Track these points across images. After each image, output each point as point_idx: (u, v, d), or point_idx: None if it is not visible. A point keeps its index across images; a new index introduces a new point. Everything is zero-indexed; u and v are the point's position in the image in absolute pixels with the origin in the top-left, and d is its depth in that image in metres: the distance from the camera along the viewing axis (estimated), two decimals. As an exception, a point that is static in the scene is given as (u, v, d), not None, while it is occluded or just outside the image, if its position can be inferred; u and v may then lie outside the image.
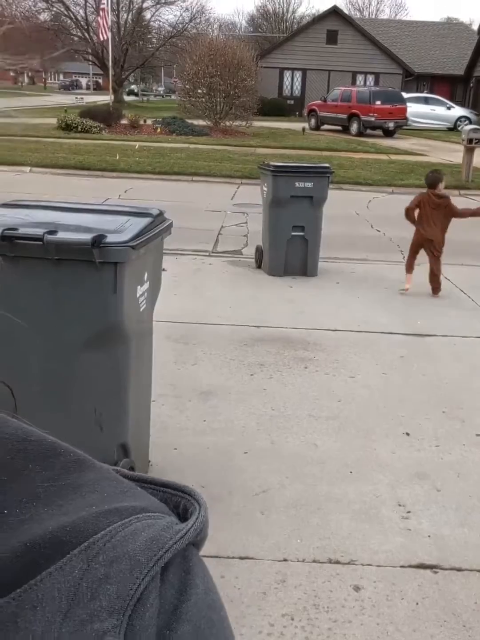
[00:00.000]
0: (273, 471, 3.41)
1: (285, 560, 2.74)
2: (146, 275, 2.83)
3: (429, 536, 2.94)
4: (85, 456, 0.46)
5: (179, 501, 0.45)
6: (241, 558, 2.72)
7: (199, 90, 23.85)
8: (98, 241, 2.36)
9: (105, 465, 0.46)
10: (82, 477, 0.44)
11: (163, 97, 63.21)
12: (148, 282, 2.86)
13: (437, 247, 6.77)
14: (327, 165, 7.56)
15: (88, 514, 0.40)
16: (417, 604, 2.53)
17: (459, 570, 2.73)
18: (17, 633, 0.35)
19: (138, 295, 2.75)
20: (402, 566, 2.74)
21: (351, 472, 3.44)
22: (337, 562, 2.74)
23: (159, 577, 0.40)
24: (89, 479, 0.44)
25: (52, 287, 2.41)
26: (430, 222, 6.72)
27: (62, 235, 2.39)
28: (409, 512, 3.12)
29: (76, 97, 40.50)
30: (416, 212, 6.72)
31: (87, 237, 2.37)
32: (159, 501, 0.45)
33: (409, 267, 6.94)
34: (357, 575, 2.67)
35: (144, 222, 2.67)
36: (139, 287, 2.75)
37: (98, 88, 69.82)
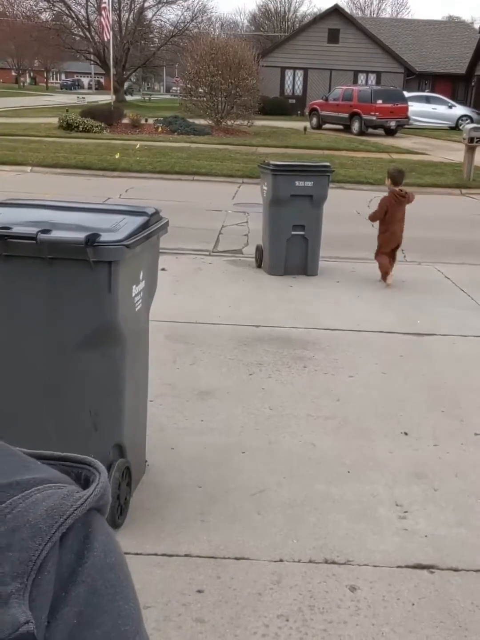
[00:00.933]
0: (270, 471, 3.40)
1: (281, 560, 2.73)
2: (142, 274, 2.82)
3: (426, 536, 2.93)
4: None
5: (80, 472, 0.47)
6: (237, 558, 2.71)
7: (200, 90, 23.83)
8: (92, 240, 2.35)
9: (1, 442, 0.47)
10: None
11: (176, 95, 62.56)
12: (144, 282, 2.84)
13: (400, 243, 7.01)
14: (326, 163, 7.54)
15: None
16: (413, 604, 2.52)
17: (455, 570, 2.71)
18: None
19: (133, 294, 2.74)
20: (398, 566, 2.72)
21: (349, 472, 3.43)
22: (334, 563, 2.73)
23: (58, 545, 0.41)
24: None
25: (46, 286, 2.40)
26: (396, 219, 6.86)
27: (56, 234, 2.39)
28: (406, 512, 3.11)
29: (78, 97, 40.53)
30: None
31: (81, 235, 2.36)
32: (61, 473, 0.46)
33: (387, 268, 6.99)
34: (353, 575, 2.66)
35: (139, 220, 2.66)
36: (134, 286, 2.74)
37: (100, 88, 69.83)
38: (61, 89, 68.28)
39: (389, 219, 6.86)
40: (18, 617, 0.37)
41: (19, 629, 0.37)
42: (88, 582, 0.42)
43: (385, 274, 7.01)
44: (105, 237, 2.43)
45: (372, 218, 7.10)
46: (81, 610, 0.41)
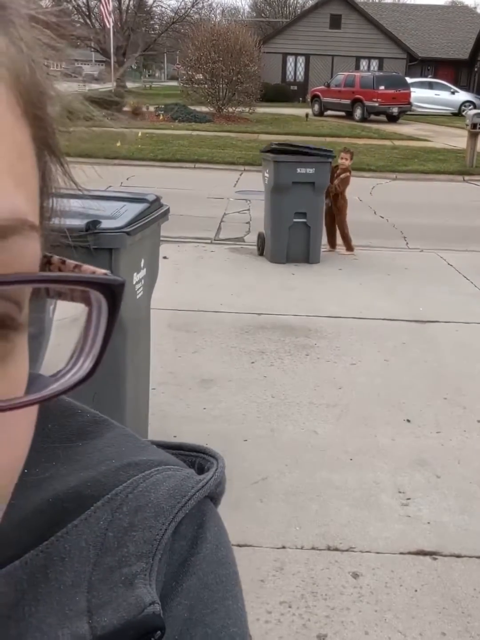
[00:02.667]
0: (273, 459, 3.40)
1: (283, 547, 2.73)
2: (143, 261, 2.80)
3: (428, 523, 2.93)
4: (101, 416, 0.47)
5: (194, 460, 0.46)
6: (239, 545, 2.71)
7: (201, 76, 23.69)
8: (92, 227, 2.34)
9: (122, 425, 0.47)
10: (99, 435, 0.44)
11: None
12: (145, 269, 2.83)
13: None
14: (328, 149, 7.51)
15: (108, 468, 0.41)
16: (415, 590, 2.52)
17: (458, 556, 2.71)
18: (48, 583, 0.36)
19: (134, 282, 2.73)
20: (401, 553, 2.73)
21: (351, 460, 3.43)
22: (336, 550, 2.73)
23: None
24: (106, 436, 0.44)
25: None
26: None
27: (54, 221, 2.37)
28: (408, 499, 3.11)
29: (78, 85, 40.31)
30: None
31: (81, 222, 2.35)
32: (175, 457, 0.46)
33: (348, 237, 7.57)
34: (356, 562, 2.66)
35: (139, 207, 2.65)
36: (135, 273, 2.72)
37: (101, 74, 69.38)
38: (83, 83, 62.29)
39: (343, 193, 7.48)
40: (143, 598, 0.36)
41: (144, 610, 0.36)
42: (200, 575, 0.40)
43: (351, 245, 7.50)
44: (105, 224, 2.42)
45: (338, 191, 7.38)
46: (192, 605, 0.39)
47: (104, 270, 0.30)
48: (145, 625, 0.36)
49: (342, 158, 7.48)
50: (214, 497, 0.44)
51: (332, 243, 7.73)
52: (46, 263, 0.32)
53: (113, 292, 0.29)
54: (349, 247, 7.61)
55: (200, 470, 0.45)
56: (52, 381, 0.30)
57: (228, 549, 0.44)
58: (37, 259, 0.30)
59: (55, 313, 0.33)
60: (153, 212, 2.77)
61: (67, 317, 0.32)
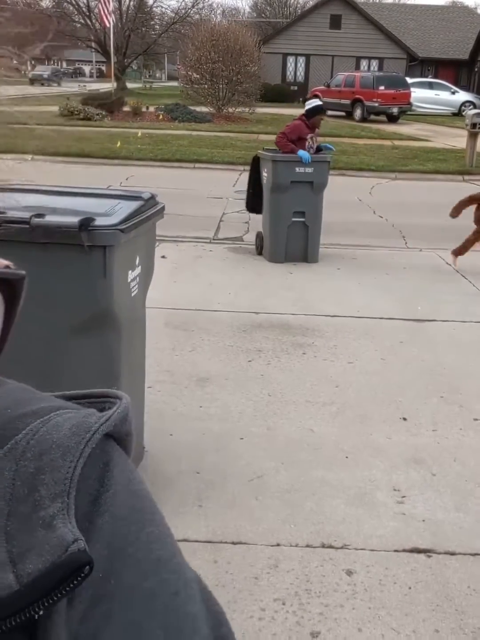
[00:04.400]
0: (269, 457, 3.39)
1: (278, 545, 2.73)
2: (137, 259, 2.80)
3: (423, 520, 2.93)
4: None
5: (103, 405, 0.45)
6: (234, 543, 2.71)
7: (197, 75, 23.67)
8: (86, 224, 2.34)
9: (15, 382, 0.46)
10: None
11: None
12: (140, 267, 2.83)
13: None
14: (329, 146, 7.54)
15: (3, 419, 0.41)
16: (410, 588, 2.52)
17: (452, 554, 2.71)
18: None
19: (129, 280, 2.73)
20: (395, 551, 2.73)
21: (347, 458, 3.43)
22: (331, 547, 2.73)
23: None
24: (1, 391, 0.44)
25: (41, 271, 2.39)
26: None
27: (49, 219, 2.37)
28: (404, 496, 3.11)
29: (79, 85, 40.36)
30: None
31: (75, 220, 2.35)
32: (77, 405, 0.45)
33: None
34: (350, 559, 2.66)
35: (134, 205, 2.65)
36: (130, 271, 2.72)
37: (101, 75, 69.41)
38: (31, 83, 40.44)
39: None
40: (65, 537, 0.36)
41: (68, 549, 0.35)
42: (112, 511, 0.40)
43: None
44: (99, 221, 2.42)
45: None
46: (110, 541, 0.39)
47: (5, 262, 0.30)
48: (72, 563, 0.35)
49: None
50: (121, 438, 0.44)
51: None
52: None
53: (12, 286, 0.28)
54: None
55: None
56: None
57: (139, 483, 0.43)
58: None
59: None
60: (148, 209, 2.77)
61: None
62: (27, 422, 0.41)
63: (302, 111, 7.41)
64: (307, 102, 7.49)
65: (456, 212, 7.14)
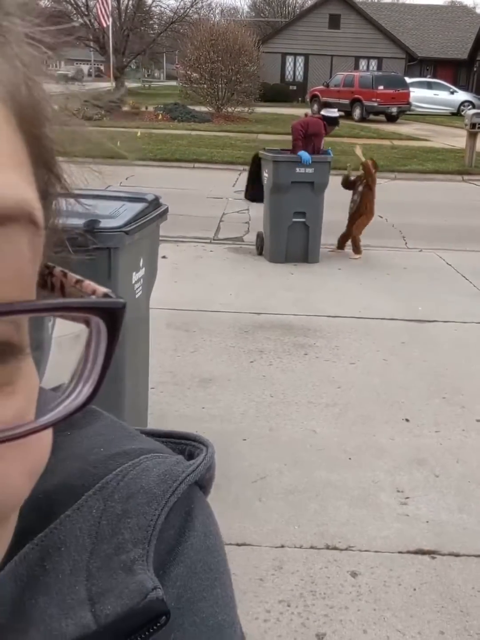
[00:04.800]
0: (272, 458, 3.40)
1: (282, 546, 2.73)
2: (142, 261, 2.80)
3: (427, 522, 2.93)
4: (92, 406, 0.46)
5: (185, 448, 0.46)
6: (238, 544, 2.72)
7: (196, 74, 23.67)
8: (91, 226, 2.34)
9: (108, 414, 0.47)
10: (87, 424, 0.44)
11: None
12: (144, 269, 2.83)
13: None
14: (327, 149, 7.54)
15: (96, 457, 0.41)
16: (414, 589, 2.53)
17: (456, 555, 2.72)
18: (47, 575, 0.36)
19: (133, 281, 2.73)
20: (399, 552, 2.73)
21: (350, 459, 3.43)
22: (335, 548, 2.74)
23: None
24: (95, 425, 0.44)
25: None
26: None
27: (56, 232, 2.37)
28: (407, 498, 3.11)
29: (78, 84, 40.29)
30: None
31: (79, 222, 2.34)
32: (165, 446, 0.46)
33: None
34: (355, 561, 2.67)
35: (138, 207, 2.65)
36: (134, 273, 2.73)
37: (100, 75, 69.39)
38: (56, 82, 56.31)
39: None
40: (145, 584, 0.36)
41: (147, 596, 0.36)
42: (187, 564, 0.40)
43: None
44: (104, 223, 2.42)
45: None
46: (180, 593, 0.39)
47: (105, 290, 0.30)
48: (150, 611, 0.36)
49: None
50: (204, 484, 0.44)
51: (343, 245, 7.64)
52: (48, 274, 0.32)
53: (113, 316, 0.28)
54: (359, 250, 7.52)
55: (190, 457, 0.45)
56: (52, 405, 0.29)
57: (216, 537, 0.44)
58: (37, 257, 0.29)
59: (55, 329, 0.33)
60: (152, 211, 2.77)
61: (67, 334, 0.31)
62: (119, 463, 0.41)
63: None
64: (328, 109, 7.64)
65: None
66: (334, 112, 7.61)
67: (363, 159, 7.32)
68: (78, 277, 0.31)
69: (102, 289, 0.30)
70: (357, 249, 7.50)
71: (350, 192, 7.51)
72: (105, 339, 0.28)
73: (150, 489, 0.40)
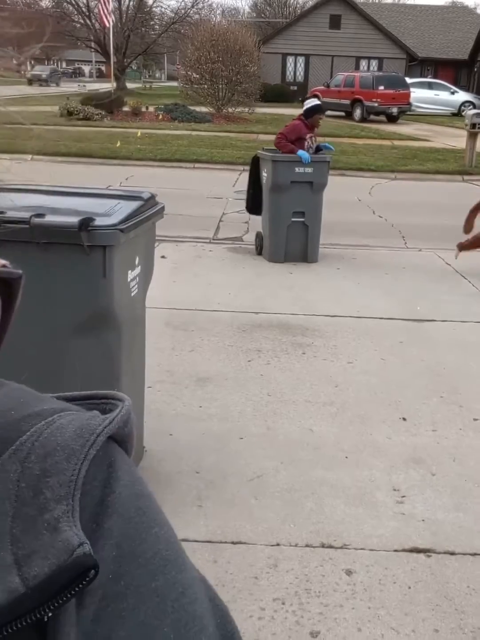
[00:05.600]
0: (268, 456, 3.40)
1: (277, 544, 2.73)
2: (137, 259, 2.80)
3: (423, 520, 2.93)
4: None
5: (105, 407, 0.45)
6: (233, 543, 2.71)
7: (198, 76, 23.68)
8: (85, 224, 2.34)
9: (16, 383, 0.46)
10: None
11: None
12: (139, 267, 2.83)
13: None
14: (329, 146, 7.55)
15: (7, 420, 0.41)
16: (409, 588, 2.52)
17: (452, 554, 2.71)
18: None
19: (129, 280, 2.73)
20: (395, 550, 2.73)
21: (347, 457, 3.43)
22: (330, 547, 2.73)
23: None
24: (2, 391, 0.44)
25: (40, 271, 2.39)
26: None
27: (49, 219, 2.37)
28: (403, 496, 3.11)
29: (79, 85, 40.37)
30: None
31: (74, 220, 2.35)
32: (78, 406, 0.45)
33: None
34: (350, 559, 2.66)
35: (134, 205, 2.65)
36: (129, 271, 2.73)
37: (101, 75, 69.36)
38: (30, 83, 41.84)
39: None
40: (71, 540, 0.36)
41: (74, 552, 0.35)
42: (120, 512, 0.40)
43: None
44: (99, 221, 2.42)
45: None
46: (119, 542, 0.39)
47: (2, 261, 0.30)
48: (78, 567, 0.35)
49: None
50: (123, 440, 0.44)
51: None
52: None
53: (10, 286, 0.28)
54: None
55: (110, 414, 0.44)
56: None
57: (143, 485, 0.43)
58: None
59: None
60: (148, 209, 2.77)
61: None
62: (32, 424, 0.41)
63: (301, 111, 7.41)
64: (305, 102, 7.46)
65: (468, 226, 7.05)
66: (308, 102, 7.32)
67: None
68: None
69: (0, 261, 0.30)
70: None
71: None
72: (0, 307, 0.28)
73: (67, 444, 0.39)
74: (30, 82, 41.05)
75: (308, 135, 7.13)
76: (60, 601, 0.35)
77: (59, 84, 46.93)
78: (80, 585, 0.36)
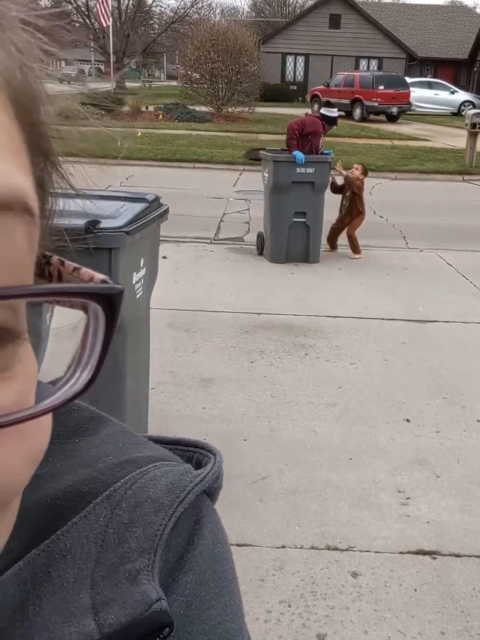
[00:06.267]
0: (272, 458, 3.40)
1: (283, 547, 2.73)
2: (142, 261, 2.80)
3: (428, 522, 2.93)
4: (99, 412, 0.46)
5: (192, 455, 0.46)
6: (239, 545, 2.71)
7: (198, 75, 23.67)
8: (91, 227, 2.34)
9: (119, 422, 0.46)
10: (96, 431, 0.44)
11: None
12: (144, 269, 2.83)
13: None
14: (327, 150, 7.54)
15: (105, 465, 0.41)
16: (415, 590, 2.52)
17: (457, 556, 2.72)
18: (51, 581, 0.36)
19: (134, 282, 2.73)
20: (400, 552, 2.73)
21: (351, 459, 3.43)
22: (336, 549, 2.73)
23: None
24: (103, 433, 0.44)
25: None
26: None
27: (54, 221, 2.37)
28: (408, 498, 3.11)
29: (78, 85, 40.31)
30: None
31: (80, 222, 2.34)
32: (173, 454, 0.45)
33: None
34: (355, 561, 2.66)
35: (139, 207, 2.65)
36: (134, 273, 2.72)
37: (100, 75, 69.25)
38: (60, 82, 57.57)
39: None
40: (149, 594, 0.36)
41: (151, 607, 0.35)
42: (196, 572, 0.40)
43: None
44: (105, 223, 2.42)
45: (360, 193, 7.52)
46: (189, 601, 0.39)
47: (102, 276, 0.29)
48: (153, 622, 0.35)
49: (355, 169, 7.45)
50: (211, 493, 0.44)
51: (334, 245, 7.72)
52: (45, 263, 0.32)
53: (111, 302, 0.28)
54: (358, 249, 7.56)
55: (198, 465, 0.45)
56: (50, 390, 0.29)
57: (225, 545, 0.43)
58: (32, 246, 0.29)
59: (53, 320, 0.33)
60: (152, 211, 2.77)
61: (65, 325, 0.31)
62: (127, 471, 0.41)
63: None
64: (327, 108, 7.56)
65: None
66: (333, 112, 7.56)
67: (344, 173, 7.32)
68: (76, 265, 0.31)
69: (99, 276, 0.30)
70: (356, 249, 7.53)
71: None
72: (103, 325, 0.28)
73: (157, 498, 0.40)
74: (60, 81, 41.13)
75: (322, 135, 7.30)
76: None
77: (86, 84, 47.00)
78: None
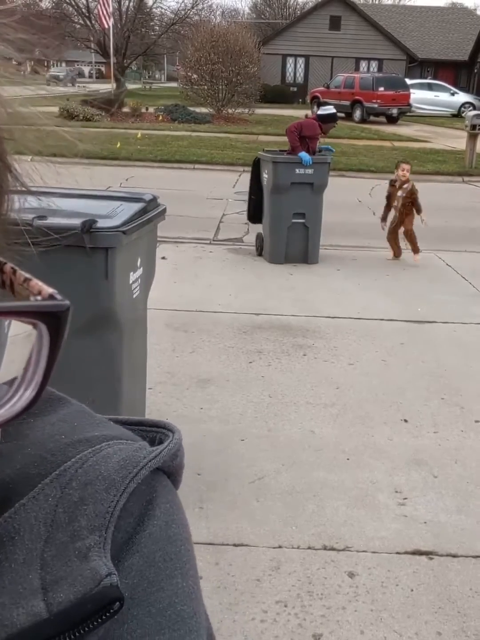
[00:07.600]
0: (270, 458, 3.39)
1: (279, 547, 2.73)
2: (139, 261, 2.80)
3: (425, 522, 2.93)
4: (60, 394, 0.46)
5: (155, 436, 0.45)
6: (235, 545, 2.71)
7: (198, 77, 23.68)
8: (88, 226, 2.34)
9: (77, 402, 0.46)
10: (52, 411, 0.43)
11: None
12: (141, 269, 2.83)
13: None
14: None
15: (55, 445, 0.41)
16: (412, 590, 2.52)
17: (454, 556, 2.71)
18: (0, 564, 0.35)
19: (131, 281, 2.73)
20: (397, 553, 2.72)
21: (348, 459, 3.43)
22: (332, 549, 2.73)
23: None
24: (60, 413, 0.44)
25: (42, 273, 2.38)
26: None
27: (52, 221, 2.37)
28: (405, 498, 3.10)
29: (79, 86, 40.39)
30: None
31: (77, 222, 2.34)
32: (132, 433, 0.44)
33: None
34: (352, 561, 2.66)
35: (136, 207, 2.65)
36: (131, 273, 2.72)
37: (101, 76, 69.34)
38: (47, 83, 54.44)
39: None
40: (99, 570, 0.35)
41: (101, 583, 0.35)
42: (144, 553, 0.39)
43: None
44: (101, 223, 2.42)
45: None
46: (135, 584, 0.38)
47: (51, 291, 0.29)
48: (103, 598, 0.35)
49: (402, 170, 7.35)
50: (172, 472, 0.43)
51: (398, 247, 7.59)
52: None
53: (56, 319, 0.28)
54: (417, 249, 7.43)
55: (160, 444, 0.44)
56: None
57: (180, 526, 0.42)
58: None
59: (10, 328, 0.32)
60: (150, 211, 2.77)
61: (21, 332, 0.31)
62: (78, 450, 0.40)
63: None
64: (322, 107, 7.50)
65: None
66: (328, 109, 7.42)
67: (423, 215, 7.28)
68: (26, 275, 0.31)
69: (47, 290, 0.29)
70: (416, 248, 7.37)
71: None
72: (48, 343, 0.28)
73: (109, 475, 0.39)
74: (48, 82, 41.19)
75: (320, 137, 7.24)
76: (81, 631, 0.34)
77: (75, 85, 46.86)
78: (103, 617, 0.35)
